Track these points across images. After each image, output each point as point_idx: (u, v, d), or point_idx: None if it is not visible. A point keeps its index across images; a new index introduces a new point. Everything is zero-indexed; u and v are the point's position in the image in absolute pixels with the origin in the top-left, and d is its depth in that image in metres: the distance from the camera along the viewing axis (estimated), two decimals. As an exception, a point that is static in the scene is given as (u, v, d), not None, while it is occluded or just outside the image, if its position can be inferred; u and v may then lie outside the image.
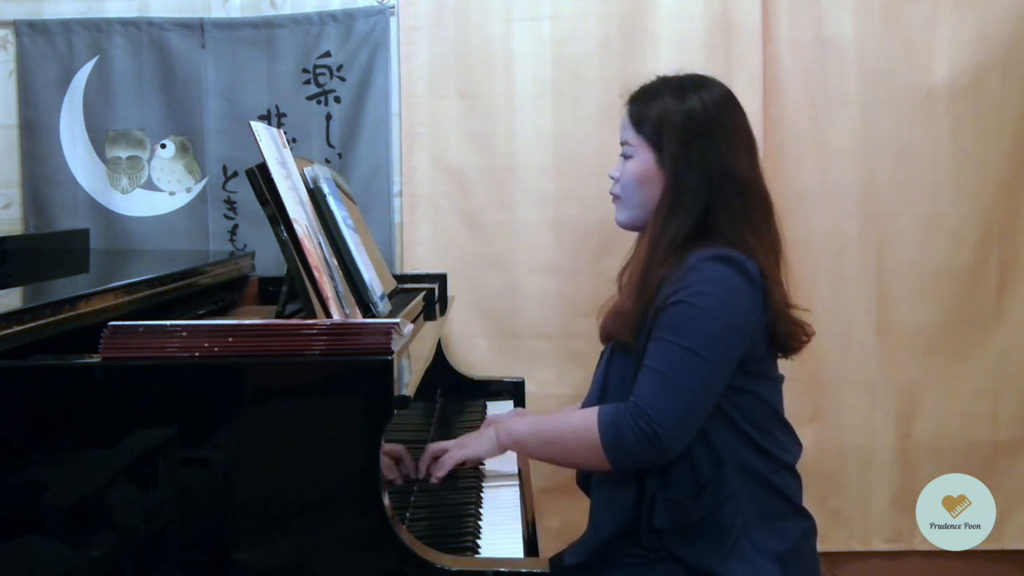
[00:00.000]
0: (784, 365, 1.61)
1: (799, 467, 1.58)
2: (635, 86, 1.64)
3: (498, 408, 2.20)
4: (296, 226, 1.37)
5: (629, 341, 1.50)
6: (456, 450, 1.58)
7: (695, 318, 1.42)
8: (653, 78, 1.63)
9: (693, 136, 1.52)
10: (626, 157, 1.60)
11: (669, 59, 2.39)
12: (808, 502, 1.57)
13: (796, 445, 1.57)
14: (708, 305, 1.42)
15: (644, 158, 1.56)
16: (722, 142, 1.52)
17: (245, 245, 2.46)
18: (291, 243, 1.37)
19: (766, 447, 1.49)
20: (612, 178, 1.64)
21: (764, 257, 1.50)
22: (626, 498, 1.49)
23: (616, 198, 1.63)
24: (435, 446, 1.63)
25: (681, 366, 1.41)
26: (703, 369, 1.41)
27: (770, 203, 1.58)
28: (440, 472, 1.57)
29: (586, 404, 1.62)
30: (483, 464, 1.69)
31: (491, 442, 1.57)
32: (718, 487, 1.45)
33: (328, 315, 1.36)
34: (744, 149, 1.56)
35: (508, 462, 1.70)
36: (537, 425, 1.56)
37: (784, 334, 1.52)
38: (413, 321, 1.64)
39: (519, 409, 2.04)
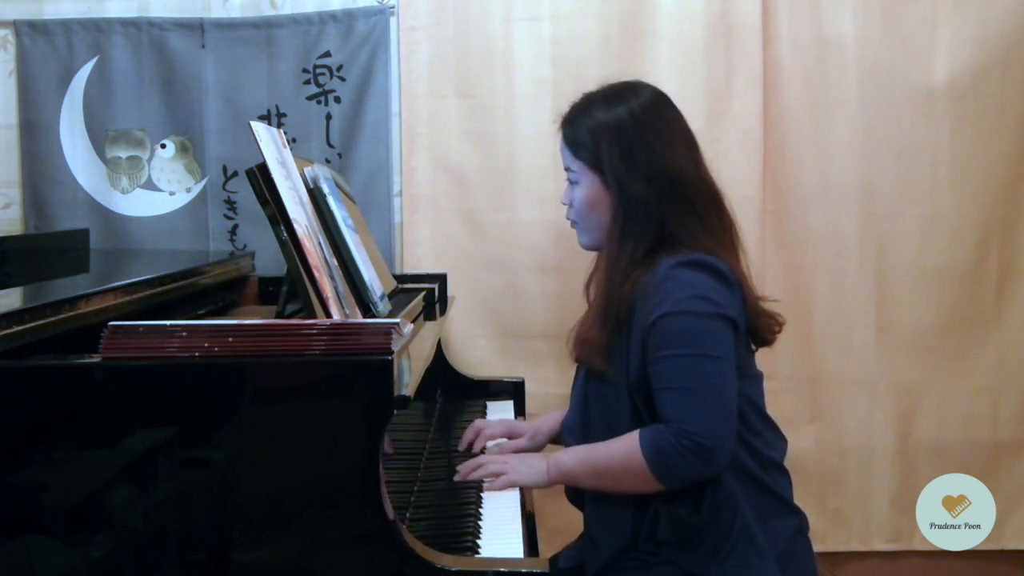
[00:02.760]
0: (784, 365, 1.61)
1: (794, 465, 1.58)
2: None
3: (498, 408, 2.20)
4: (296, 226, 1.37)
5: (601, 368, 1.50)
6: (512, 475, 1.58)
7: (690, 324, 1.41)
8: (580, 97, 1.63)
9: (626, 144, 1.52)
10: (572, 183, 1.60)
11: (669, 59, 2.39)
12: (808, 502, 1.58)
13: (781, 441, 1.58)
14: (696, 308, 1.42)
15: (589, 182, 1.56)
16: (656, 144, 1.52)
17: (245, 245, 2.46)
18: (291, 243, 1.37)
19: (754, 444, 1.49)
20: (564, 204, 1.65)
21: (726, 256, 1.51)
22: (626, 516, 1.48)
23: (574, 223, 1.64)
24: (487, 459, 1.64)
25: (700, 374, 1.40)
26: (720, 369, 1.41)
27: (718, 196, 1.58)
28: (488, 487, 1.58)
29: (568, 425, 1.61)
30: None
31: (542, 475, 1.57)
32: (715, 489, 1.44)
33: (328, 315, 1.36)
34: (681, 146, 1.55)
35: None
36: (584, 457, 1.53)
37: (761, 327, 1.54)
38: (413, 321, 1.64)
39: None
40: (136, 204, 2.47)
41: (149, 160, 2.46)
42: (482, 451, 1.79)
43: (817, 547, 1.61)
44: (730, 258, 1.52)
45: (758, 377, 1.58)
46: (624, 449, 1.44)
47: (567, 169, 1.61)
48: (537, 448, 1.80)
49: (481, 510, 1.51)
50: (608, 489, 1.50)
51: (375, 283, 1.63)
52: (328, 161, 2.44)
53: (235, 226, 2.48)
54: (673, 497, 1.44)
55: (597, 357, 1.50)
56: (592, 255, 1.68)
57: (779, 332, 1.59)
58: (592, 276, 1.68)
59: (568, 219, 1.66)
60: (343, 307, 1.42)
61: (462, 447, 1.83)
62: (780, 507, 1.52)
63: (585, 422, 1.56)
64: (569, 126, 1.60)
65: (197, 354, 1.20)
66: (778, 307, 1.61)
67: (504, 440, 1.82)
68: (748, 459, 1.48)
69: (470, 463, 1.63)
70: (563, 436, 1.65)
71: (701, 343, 1.41)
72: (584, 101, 1.61)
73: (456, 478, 1.61)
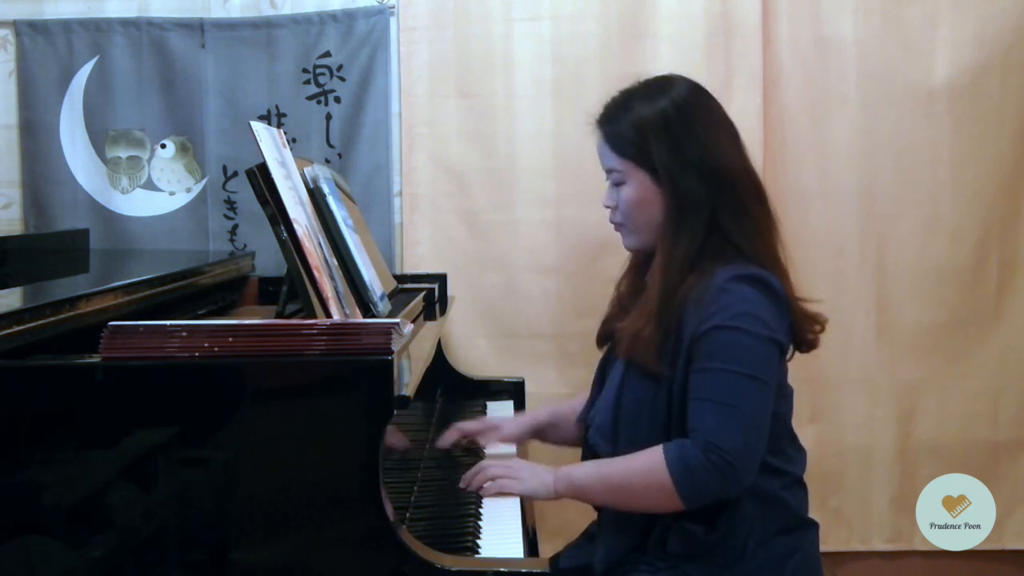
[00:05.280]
0: (784, 365, 1.59)
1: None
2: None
3: (498, 408, 2.20)
4: (296, 226, 1.37)
5: (654, 368, 1.44)
6: (514, 483, 1.54)
7: (741, 342, 1.38)
8: (615, 94, 1.59)
9: (675, 137, 1.48)
10: (617, 184, 1.55)
11: (669, 59, 2.39)
12: (809, 502, 1.57)
13: (801, 455, 1.56)
14: (750, 327, 1.38)
15: (639, 180, 1.51)
16: (703, 135, 1.49)
17: (245, 245, 2.46)
18: (291, 243, 1.37)
19: (777, 465, 1.47)
20: (608, 207, 1.59)
21: (768, 255, 1.49)
22: (637, 521, 1.46)
23: (619, 225, 1.58)
24: (491, 463, 1.60)
25: (740, 393, 1.37)
26: (761, 392, 1.38)
27: (762, 188, 1.55)
28: (486, 493, 1.55)
29: (597, 426, 1.55)
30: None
31: (546, 487, 1.51)
32: (733, 513, 1.42)
33: (328, 315, 1.36)
34: (726, 137, 1.53)
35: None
36: (600, 470, 1.48)
37: (804, 331, 1.51)
38: (413, 321, 1.64)
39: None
40: (136, 204, 2.47)
41: (149, 160, 2.46)
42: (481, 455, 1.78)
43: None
44: (775, 256, 1.50)
45: (790, 395, 1.55)
46: (646, 462, 1.39)
47: (610, 170, 1.56)
48: (520, 438, 1.81)
49: (481, 510, 1.50)
50: (623, 506, 1.46)
51: (375, 283, 1.63)
52: (328, 161, 2.44)
53: (235, 226, 2.48)
54: (688, 514, 1.40)
55: (651, 356, 1.45)
56: (595, 254, 1.66)
57: (820, 333, 1.54)
58: (625, 274, 1.64)
59: (612, 222, 1.60)
60: (343, 307, 1.42)
61: (440, 444, 1.81)
62: (797, 523, 1.50)
63: (617, 421, 1.50)
64: (609, 124, 1.55)
65: (197, 354, 1.20)
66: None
67: (512, 448, 1.80)
68: (770, 481, 1.45)
69: (474, 468, 1.59)
70: (590, 434, 1.58)
71: (748, 362, 1.37)
72: (622, 97, 1.56)
73: (462, 485, 1.58)
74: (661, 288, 1.48)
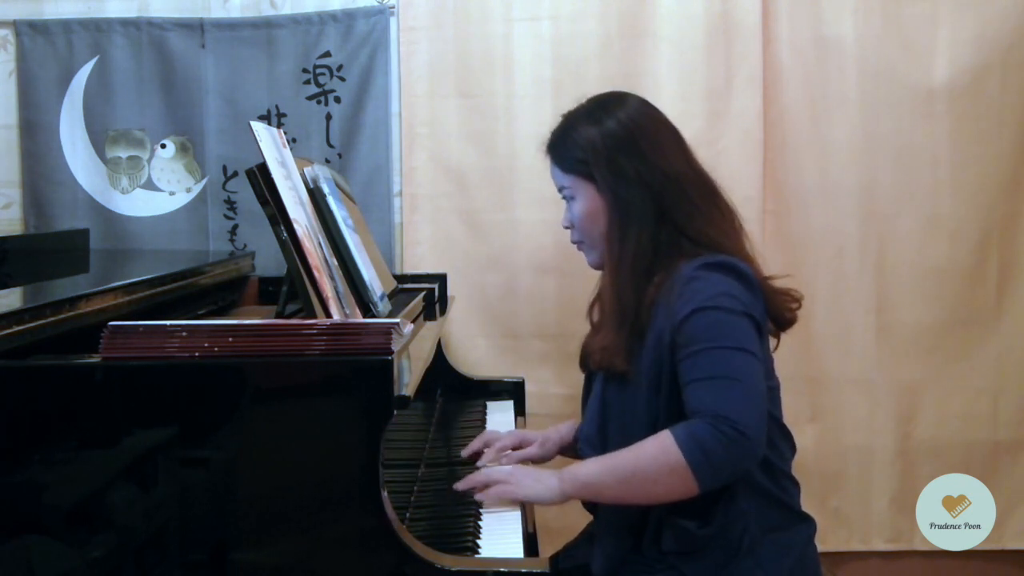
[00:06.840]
0: (784, 365, 1.59)
1: (799, 469, 1.57)
2: (639, 88, 1.61)
3: (498, 408, 2.20)
4: (296, 226, 1.37)
5: (623, 367, 1.46)
6: (516, 489, 1.50)
7: (723, 319, 1.39)
8: (560, 118, 1.62)
9: (619, 155, 1.51)
10: (569, 200, 1.59)
11: (669, 59, 2.39)
12: (808, 502, 1.57)
13: (791, 450, 1.56)
14: (729, 305, 1.39)
15: (585, 193, 1.55)
16: (649, 151, 1.51)
17: (245, 245, 2.46)
18: (291, 243, 1.37)
19: (769, 458, 1.46)
20: (566, 227, 1.62)
21: (727, 243, 1.50)
22: (632, 519, 1.46)
23: (579, 244, 1.62)
24: (492, 470, 1.57)
25: (735, 366, 1.36)
26: (753, 363, 1.38)
27: (712, 185, 1.57)
28: (487, 502, 1.52)
29: (585, 434, 1.57)
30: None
31: (551, 490, 1.47)
32: (727, 507, 1.41)
33: (328, 315, 1.36)
34: (671, 146, 1.55)
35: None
36: (608, 464, 1.44)
37: (779, 307, 1.52)
38: (413, 321, 1.64)
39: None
40: (136, 204, 2.47)
41: (149, 160, 2.46)
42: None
43: (817, 547, 1.60)
44: (736, 244, 1.51)
45: (776, 388, 1.55)
46: (657, 448, 1.36)
47: (560, 188, 1.60)
48: (547, 456, 1.75)
49: (481, 510, 1.51)
50: (635, 497, 1.42)
51: (375, 283, 1.63)
52: (328, 161, 2.44)
53: (235, 226, 2.48)
54: (682, 510, 1.40)
55: (618, 356, 1.47)
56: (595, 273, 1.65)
57: (798, 308, 1.55)
58: (593, 302, 1.65)
59: (573, 242, 1.63)
60: (343, 307, 1.42)
61: (466, 453, 1.76)
62: (791, 518, 1.50)
63: (603, 430, 1.52)
64: (555, 147, 1.60)
65: (197, 354, 1.20)
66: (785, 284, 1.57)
67: (510, 453, 1.75)
68: (762, 475, 1.45)
69: (474, 475, 1.56)
70: (579, 447, 1.59)
71: (734, 337, 1.38)
72: (567, 122, 1.60)
73: (458, 486, 1.55)
74: (612, 287, 1.51)
